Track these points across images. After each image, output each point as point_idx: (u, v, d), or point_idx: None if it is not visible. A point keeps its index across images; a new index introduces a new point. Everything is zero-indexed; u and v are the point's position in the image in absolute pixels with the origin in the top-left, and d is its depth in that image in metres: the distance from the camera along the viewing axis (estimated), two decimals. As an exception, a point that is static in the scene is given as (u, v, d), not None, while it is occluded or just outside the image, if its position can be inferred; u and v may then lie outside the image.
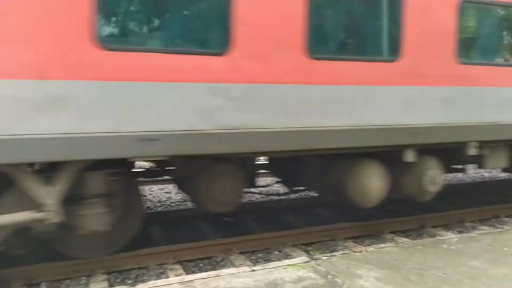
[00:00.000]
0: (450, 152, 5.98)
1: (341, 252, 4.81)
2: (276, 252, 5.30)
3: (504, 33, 6.13)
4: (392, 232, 6.10)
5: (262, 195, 8.58)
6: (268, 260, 4.99)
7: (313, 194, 8.56)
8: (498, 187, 8.86)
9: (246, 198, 8.33)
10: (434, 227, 6.37)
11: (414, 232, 6.20)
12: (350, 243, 5.62)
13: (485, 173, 10.42)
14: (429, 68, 5.27)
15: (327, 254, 4.66)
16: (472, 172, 9.41)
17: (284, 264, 4.24)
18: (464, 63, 5.50)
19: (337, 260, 4.38)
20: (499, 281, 3.87)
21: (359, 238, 5.90)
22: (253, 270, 4.07)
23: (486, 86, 5.72)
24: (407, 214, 6.55)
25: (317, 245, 5.62)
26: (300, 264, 4.22)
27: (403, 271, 4.11)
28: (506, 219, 6.81)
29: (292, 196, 8.59)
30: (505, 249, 4.75)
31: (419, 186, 5.69)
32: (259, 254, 5.26)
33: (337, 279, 3.87)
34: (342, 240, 5.71)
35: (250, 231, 5.85)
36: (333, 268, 4.13)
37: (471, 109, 5.62)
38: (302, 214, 6.92)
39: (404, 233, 6.17)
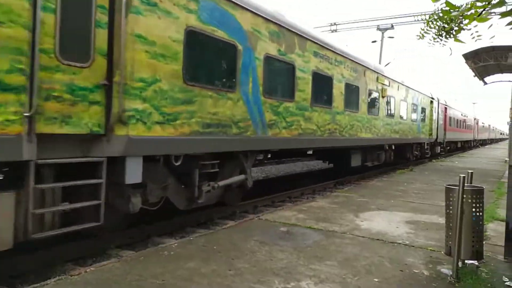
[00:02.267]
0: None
1: (56, 278, 4.26)
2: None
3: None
4: (118, 247, 5.94)
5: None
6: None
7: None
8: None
9: None
10: (159, 235, 6.61)
11: (140, 243, 6.25)
12: (69, 266, 5.09)
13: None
14: None
15: (37, 284, 4.02)
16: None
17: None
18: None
19: (49, 290, 3.84)
20: (208, 277, 4.31)
21: (82, 259, 5.44)
22: None
23: None
24: (133, 226, 6.53)
25: (27, 276, 4.81)
26: (-4, 305, 3.45)
27: (122, 286, 4.00)
28: (218, 220, 7.83)
29: None
30: (215, 247, 5.39)
31: None
32: None
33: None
34: (61, 265, 5.11)
35: None
36: (42, 300, 3.58)
37: None
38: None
39: (131, 246, 6.12)
